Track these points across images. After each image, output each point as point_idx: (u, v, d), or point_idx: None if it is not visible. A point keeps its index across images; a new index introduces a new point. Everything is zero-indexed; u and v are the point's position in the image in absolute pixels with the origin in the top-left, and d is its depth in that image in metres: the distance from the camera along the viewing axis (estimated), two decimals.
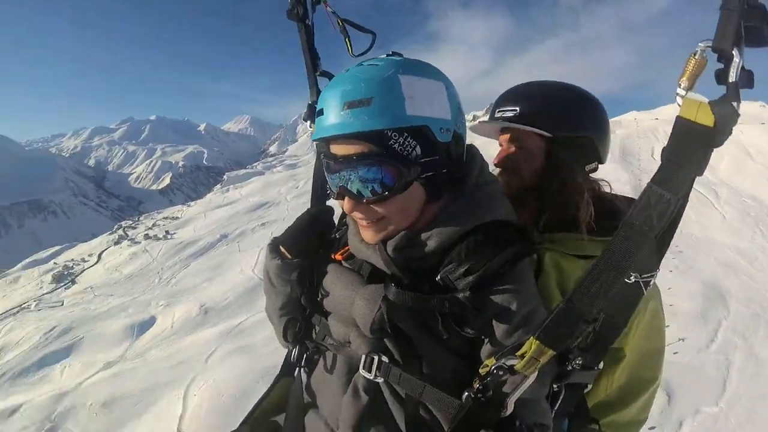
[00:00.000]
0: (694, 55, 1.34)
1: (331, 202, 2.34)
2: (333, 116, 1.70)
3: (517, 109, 2.41)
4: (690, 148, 1.34)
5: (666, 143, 1.40)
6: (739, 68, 1.24)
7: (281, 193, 42.00)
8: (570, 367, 1.85)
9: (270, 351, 11.25)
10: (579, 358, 1.83)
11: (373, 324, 1.82)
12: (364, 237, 1.95)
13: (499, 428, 1.67)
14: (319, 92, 2.55)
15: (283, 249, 2.31)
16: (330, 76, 2.50)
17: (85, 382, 13.59)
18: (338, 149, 1.76)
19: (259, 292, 21.47)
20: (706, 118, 1.30)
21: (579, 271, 2.11)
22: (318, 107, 1.78)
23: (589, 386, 2.10)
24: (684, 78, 1.36)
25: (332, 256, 2.20)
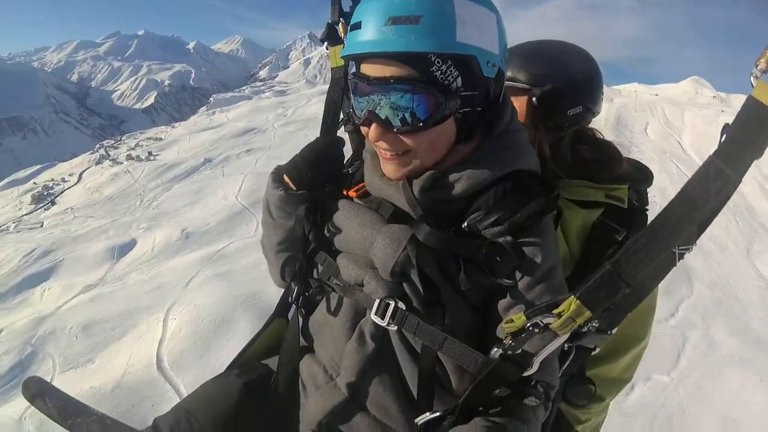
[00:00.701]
0: None
1: (341, 133, 2.30)
2: (373, 31, 1.57)
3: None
4: (757, 131, 1.32)
5: (733, 119, 1.37)
6: None
7: (269, 120, 41.51)
8: (586, 329, 1.75)
9: (250, 278, 11.15)
10: (596, 321, 1.73)
11: (395, 266, 1.72)
12: (385, 171, 1.86)
13: (517, 387, 1.68)
14: (341, 11, 2.34)
15: (287, 179, 2.18)
16: None
17: (64, 306, 13.59)
18: (372, 69, 1.64)
19: (241, 219, 21.54)
20: None
21: (579, 220, 2.15)
22: (354, 20, 1.65)
23: (597, 349, 2.16)
24: (762, 59, 1.31)
25: (344, 193, 2.08)
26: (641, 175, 2.51)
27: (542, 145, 2.32)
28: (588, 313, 1.48)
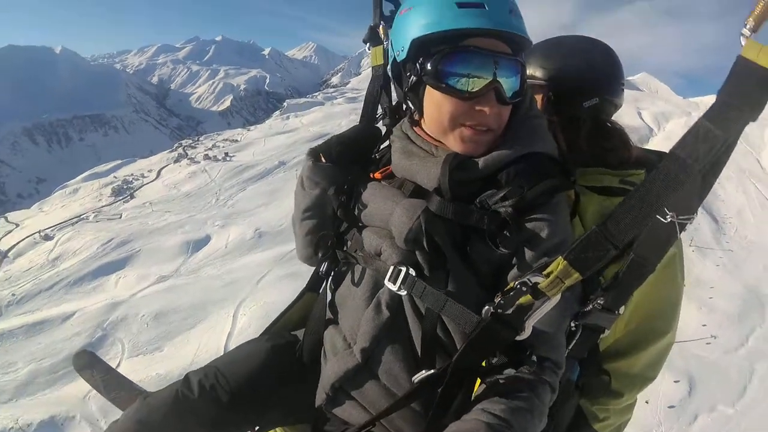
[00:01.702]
0: None
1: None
2: (500, 14, 1.77)
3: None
4: (746, 89, 1.34)
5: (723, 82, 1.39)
6: None
7: (341, 126, 42.43)
8: (591, 307, 1.90)
9: None
10: (601, 298, 1.88)
11: (408, 233, 1.81)
12: (463, 147, 1.92)
13: (513, 356, 1.73)
14: (382, 15, 2.57)
15: (321, 155, 2.33)
16: (396, 3, 2.52)
17: (138, 294, 13.83)
18: (497, 46, 1.81)
19: None
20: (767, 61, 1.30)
21: (595, 205, 2.16)
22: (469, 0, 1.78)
23: (606, 332, 2.10)
24: (750, 19, 1.33)
25: (371, 175, 2.22)
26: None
27: (558, 137, 2.32)
28: (576, 275, 1.53)
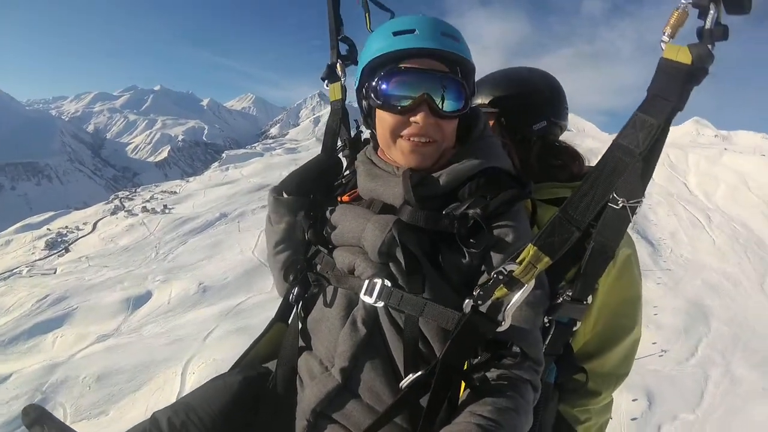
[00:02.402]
0: (678, 9, 1.60)
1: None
2: (431, 36, 1.99)
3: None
4: (670, 82, 1.61)
5: (651, 79, 1.66)
6: (714, 20, 1.52)
7: (282, 176, 42.40)
8: (560, 299, 2.04)
9: None
10: (569, 290, 2.04)
11: (382, 245, 1.92)
12: (407, 160, 2.10)
13: (495, 352, 1.79)
14: (339, 54, 2.74)
15: (283, 189, 2.48)
16: (350, 42, 2.70)
17: (78, 354, 13.42)
18: (425, 63, 2.01)
19: (259, 274, 21.53)
20: (685, 57, 1.58)
21: (551, 214, 2.11)
22: (401, 28, 2.03)
23: (578, 324, 2.19)
24: (668, 27, 1.62)
25: (339, 199, 2.35)
26: None
27: (512, 157, 2.49)
28: (546, 259, 1.66)
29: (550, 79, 2.76)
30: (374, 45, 2.09)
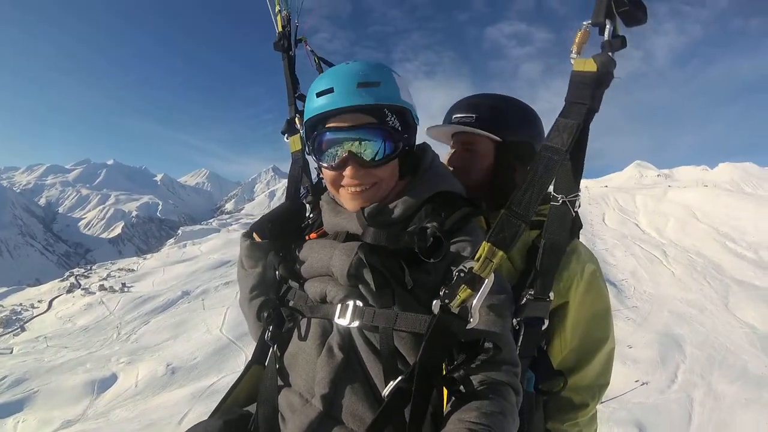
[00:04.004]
0: (580, 29, 1.92)
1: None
2: (346, 92, 2.12)
3: (473, 116, 2.86)
4: (582, 89, 1.92)
5: (566, 90, 1.98)
6: (611, 32, 1.85)
7: None
8: (524, 300, 2.26)
9: None
10: (531, 290, 2.26)
11: (350, 268, 2.08)
12: (349, 206, 2.31)
13: (471, 351, 1.86)
14: (297, 110, 3.05)
15: (255, 234, 2.63)
16: (304, 98, 2.66)
17: None
18: (346, 120, 2.16)
19: (229, 353, 21.40)
20: (591, 66, 1.90)
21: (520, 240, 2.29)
22: (322, 87, 2.18)
23: (546, 323, 2.33)
24: (574, 46, 1.94)
25: (306, 238, 2.51)
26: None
27: (517, 180, 2.80)
28: (501, 253, 1.86)
29: (542, 122, 2.97)
30: (306, 106, 2.31)
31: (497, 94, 3.02)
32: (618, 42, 1.85)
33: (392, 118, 2.16)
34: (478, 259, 1.86)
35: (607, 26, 1.85)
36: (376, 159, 2.17)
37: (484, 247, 1.86)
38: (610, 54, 1.86)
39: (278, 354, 2.35)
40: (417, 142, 2.43)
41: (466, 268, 1.87)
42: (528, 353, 2.33)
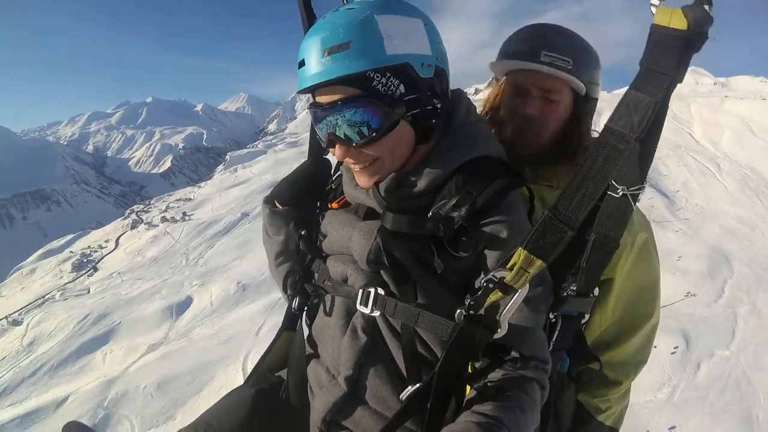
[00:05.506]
0: None
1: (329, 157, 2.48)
2: (315, 65, 1.73)
3: (571, 60, 2.33)
4: (665, 53, 1.41)
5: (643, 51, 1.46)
6: None
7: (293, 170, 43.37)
8: (565, 293, 1.95)
9: None
10: (573, 284, 1.94)
11: (369, 254, 1.87)
12: (359, 182, 2.00)
13: (496, 357, 1.75)
14: None
15: (275, 200, 2.44)
16: None
17: (131, 367, 13.65)
18: (323, 97, 1.80)
19: None
20: (680, 23, 1.37)
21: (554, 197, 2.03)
22: (299, 58, 1.80)
23: (586, 317, 2.16)
24: None
25: (329, 206, 2.27)
26: None
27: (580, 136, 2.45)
28: (539, 262, 1.53)
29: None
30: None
31: (574, 33, 2.49)
32: None
33: (383, 81, 1.74)
34: (511, 268, 1.55)
35: None
36: (359, 140, 1.80)
37: (520, 254, 1.54)
38: (706, 7, 1.34)
39: (308, 322, 2.34)
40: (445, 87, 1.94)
41: (496, 278, 1.59)
42: (564, 345, 2.16)
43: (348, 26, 1.69)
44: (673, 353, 36.77)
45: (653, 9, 1.41)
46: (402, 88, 1.75)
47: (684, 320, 39.45)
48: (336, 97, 1.75)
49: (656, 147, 1.72)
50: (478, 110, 2.44)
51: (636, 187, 1.76)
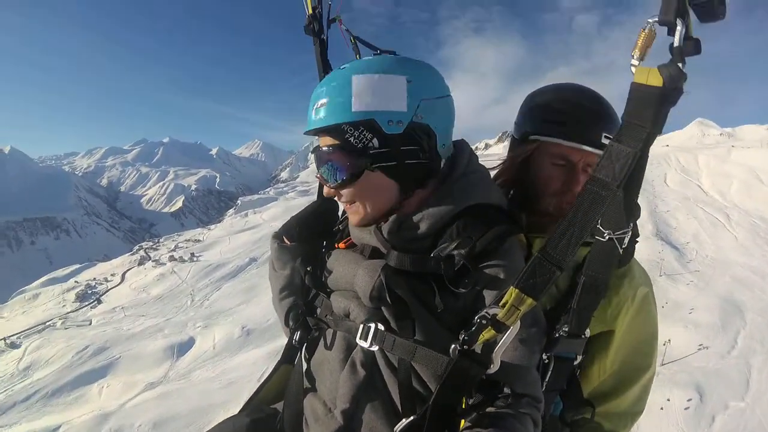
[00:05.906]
0: (644, 29, 1.48)
1: None
2: (310, 116, 1.97)
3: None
4: (643, 108, 1.48)
5: (624, 106, 1.53)
6: (683, 35, 1.38)
7: None
8: (557, 335, 2.06)
9: None
10: (566, 325, 2.06)
11: (372, 291, 1.95)
12: (351, 221, 2.15)
13: (489, 393, 1.82)
14: None
15: (284, 237, 2.53)
16: None
17: (128, 403, 13.65)
18: (320, 142, 2.01)
19: None
20: (656, 80, 1.44)
21: None
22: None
23: (579, 358, 2.21)
24: (636, 50, 1.50)
25: (336, 246, 2.37)
26: None
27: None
28: (530, 300, 1.58)
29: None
30: None
31: (605, 99, 2.51)
32: (690, 46, 1.40)
33: (355, 134, 1.89)
34: (503, 305, 1.61)
35: (678, 27, 1.39)
36: (335, 184, 2.00)
37: (512, 293, 1.59)
38: (680, 65, 1.41)
39: (307, 356, 2.36)
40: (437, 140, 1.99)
41: (489, 315, 1.65)
42: (557, 386, 2.25)
43: (328, 86, 1.93)
44: (686, 408, 36.18)
45: (633, 69, 1.52)
46: (375, 141, 1.89)
47: (697, 373, 38.97)
48: (322, 143, 1.97)
49: (638, 194, 1.87)
50: (495, 164, 2.64)
51: (621, 231, 1.90)
